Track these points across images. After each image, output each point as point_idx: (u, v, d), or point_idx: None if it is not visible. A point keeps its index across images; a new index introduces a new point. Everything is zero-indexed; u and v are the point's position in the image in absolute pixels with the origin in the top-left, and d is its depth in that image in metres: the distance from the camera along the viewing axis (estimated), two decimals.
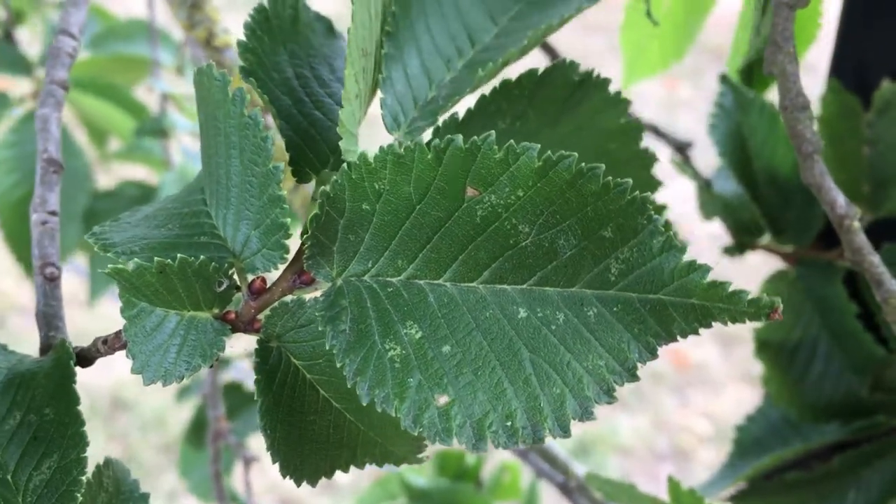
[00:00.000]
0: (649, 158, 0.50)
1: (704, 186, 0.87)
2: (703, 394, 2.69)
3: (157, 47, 1.23)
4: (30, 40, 1.36)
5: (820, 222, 0.82)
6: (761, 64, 0.79)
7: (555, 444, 0.92)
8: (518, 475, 1.17)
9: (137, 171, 1.52)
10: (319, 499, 2.31)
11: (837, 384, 0.83)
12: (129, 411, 2.42)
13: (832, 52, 0.82)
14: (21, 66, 1.21)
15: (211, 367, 0.41)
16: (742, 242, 0.85)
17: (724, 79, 0.83)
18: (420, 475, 1.10)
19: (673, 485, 0.66)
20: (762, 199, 0.83)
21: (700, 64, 3.50)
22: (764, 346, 0.85)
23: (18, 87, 1.24)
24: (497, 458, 1.20)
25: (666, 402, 2.66)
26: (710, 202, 0.86)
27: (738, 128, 0.83)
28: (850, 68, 0.81)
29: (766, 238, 0.84)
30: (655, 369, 2.72)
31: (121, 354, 0.42)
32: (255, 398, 0.41)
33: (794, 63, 0.54)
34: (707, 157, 0.91)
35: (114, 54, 1.26)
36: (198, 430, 1.18)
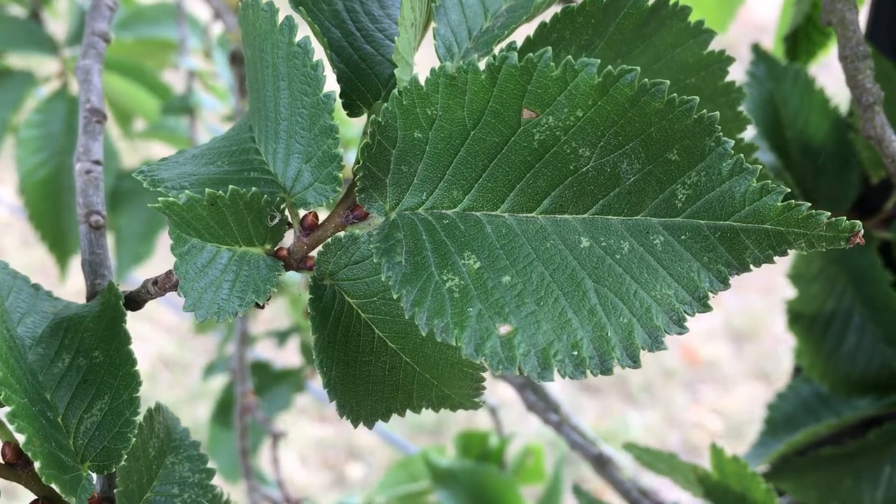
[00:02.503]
0: (736, 94, 0.47)
1: None
2: (714, 390, 2.68)
3: (184, 26, 1.22)
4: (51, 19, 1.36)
5: (854, 191, 0.81)
6: (808, 30, 0.79)
7: (582, 422, 0.91)
8: (542, 459, 1.15)
9: (162, 151, 1.51)
10: (330, 492, 2.30)
11: (871, 356, 0.82)
12: (141, 406, 2.41)
13: (867, 17, 0.81)
14: (47, 45, 1.20)
15: (262, 306, 0.40)
16: None
17: (755, 48, 0.82)
18: (443, 456, 1.08)
19: (716, 451, 0.65)
20: (795, 168, 0.82)
21: None
22: (796, 318, 0.84)
23: (44, 66, 1.24)
24: (520, 441, 1.19)
25: (677, 399, 2.65)
26: None
27: (771, 96, 0.82)
28: (884, 32, 0.80)
29: None
30: (667, 366, 2.71)
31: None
32: (311, 334, 0.40)
33: (854, 11, 0.52)
34: None
35: (140, 38, 1.26)
36: (225, 410, 1.17)
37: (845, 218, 0.35)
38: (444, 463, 1.04)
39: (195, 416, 2.39)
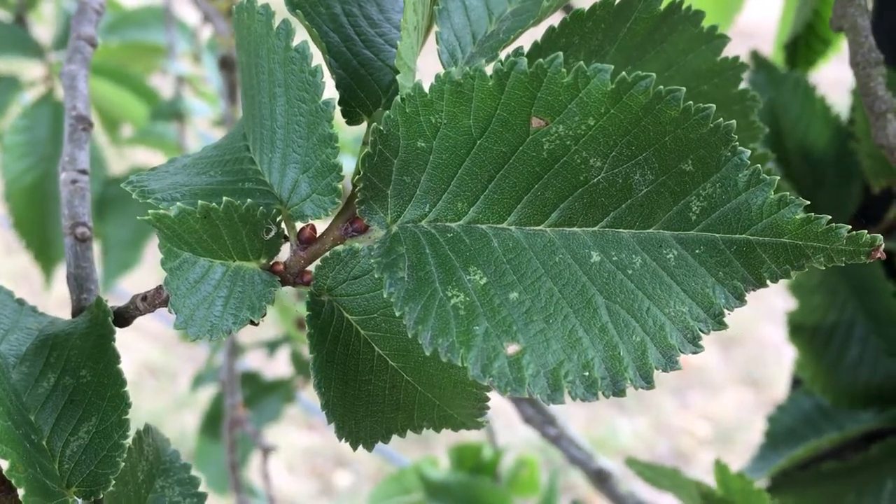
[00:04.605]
0: (750, 102, 0.45)
1: None
2: (702, 396, 2.68)
3: (173, 30, 1.20)
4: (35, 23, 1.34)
5: (856, 201, 0.80)
6: (808, 38, 0.78)
7: (578, 435, 0.89)
8: (536, 470, 1.14)
9: (150, 157, 1.50)
10: (317, 500, 2.28)
11: (874, 368, 0.81)
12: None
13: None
14: (33, 49, 1.18)
15: (257, 324, 0.38)
16: None
17: (755, 55, 0.81)
18: (436, 469, 1.07)
19: (720, 468, 0.63)
20: (795, 177, 0.80)
21: None
22: (798, 330, 0.82)
23: (29, 71, 1.22)
24: (510, 448, 1.18)
25: (666, 405, 2.64)
26: None
27: (771, 104, 0.80)
28: (886, 41, 0.78)
29: None
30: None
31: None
32: (309, 353, 0.38)
33: (866, 17, 0.50)
34: None
35: (127, 42, 1.24)
36: (213, 422, 1.15)
37: (866, 232, 0.33)
38: (437, 476, 1.03)
39: (182, 424, 2.36)
